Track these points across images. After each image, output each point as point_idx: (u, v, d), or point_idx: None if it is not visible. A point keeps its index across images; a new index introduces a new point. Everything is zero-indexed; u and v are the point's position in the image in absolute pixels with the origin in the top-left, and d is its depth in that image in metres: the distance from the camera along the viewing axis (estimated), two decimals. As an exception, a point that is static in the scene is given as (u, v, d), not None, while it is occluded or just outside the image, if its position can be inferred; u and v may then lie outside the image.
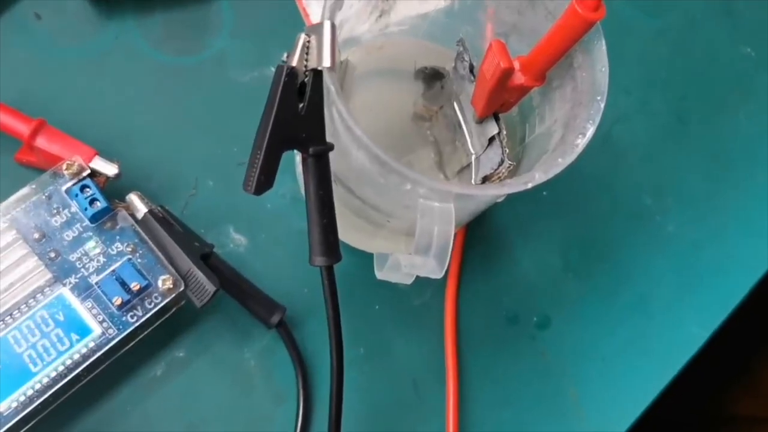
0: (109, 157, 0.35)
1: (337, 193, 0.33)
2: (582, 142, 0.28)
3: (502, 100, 0.33)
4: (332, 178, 0.29)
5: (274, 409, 0.36)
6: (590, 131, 0.29)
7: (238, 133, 0.39)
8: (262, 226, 0.39)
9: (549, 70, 0.31)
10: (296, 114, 0.28)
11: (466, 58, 0.34)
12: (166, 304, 0.33)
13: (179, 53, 0.40)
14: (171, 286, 0.33)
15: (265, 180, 0.27)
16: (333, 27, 0.27)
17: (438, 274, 0.30)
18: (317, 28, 0.27)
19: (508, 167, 0.33)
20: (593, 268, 0.42)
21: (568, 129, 0.30)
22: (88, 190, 0.33)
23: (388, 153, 0.27)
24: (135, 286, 0.32)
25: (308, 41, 0.27)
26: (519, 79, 0.31)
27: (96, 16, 0.40)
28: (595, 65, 0.30)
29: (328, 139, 0.29)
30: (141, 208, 0.34)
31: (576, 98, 0.30)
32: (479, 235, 0.41)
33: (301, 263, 0.38)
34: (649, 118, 0.46)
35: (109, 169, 0.34)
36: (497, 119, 0.34)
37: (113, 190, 0.35)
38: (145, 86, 0.39)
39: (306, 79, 0.28)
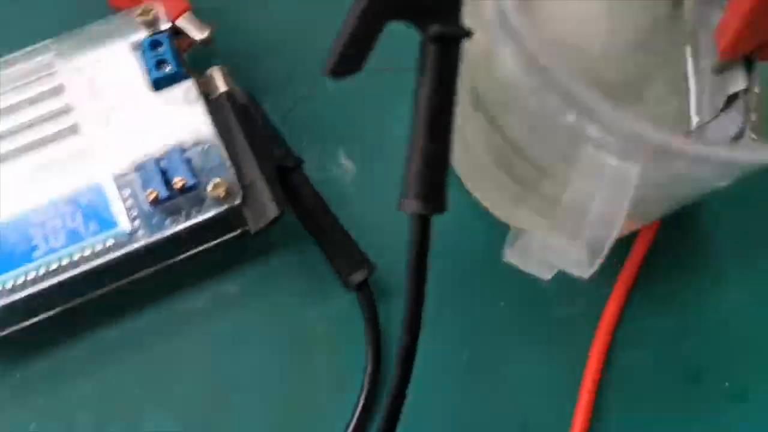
0: (207, 18, 0.27)
1: (476, 122, 0.23)
2: None
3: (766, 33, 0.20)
4: (472, 98, 0.19)
5: (330, 395, 0.27)
6: None
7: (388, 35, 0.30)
8: (381, 156, 0.29)
9: None
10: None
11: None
12: (217, 216, 0.25)
13: None
14: (222, 194, 0.24)
15: (350, 56, 0.18)
16: None
17: (584, 273, 0.18)
18: None
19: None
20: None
21: None
22: (159, 47, 0.25)
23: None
24: (178, 181, 0.24)
25: None
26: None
27: None
28: None
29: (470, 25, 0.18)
30: (219, 87, 0.25)
31: None
32: (676, 243, 0.29)
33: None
34: None
35: (196, 32, 0.26)
36: (750, 68, 0.22)
37: (203, 60, 0.27)
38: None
39: None
